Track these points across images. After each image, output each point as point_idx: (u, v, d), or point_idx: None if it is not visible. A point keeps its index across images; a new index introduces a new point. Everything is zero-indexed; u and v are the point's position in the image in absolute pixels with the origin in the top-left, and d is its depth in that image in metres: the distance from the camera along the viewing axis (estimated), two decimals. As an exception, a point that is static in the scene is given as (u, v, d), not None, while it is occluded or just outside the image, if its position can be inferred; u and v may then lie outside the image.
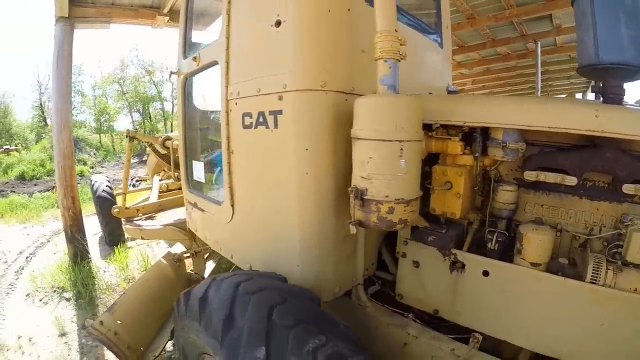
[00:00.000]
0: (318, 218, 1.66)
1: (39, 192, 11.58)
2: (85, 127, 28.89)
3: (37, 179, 15.54)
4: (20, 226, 7.63)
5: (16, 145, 21.05)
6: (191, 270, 3.57)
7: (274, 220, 1.76)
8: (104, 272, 4.81)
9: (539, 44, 6.74)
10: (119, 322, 2.61)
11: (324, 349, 1.25)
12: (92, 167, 20.15)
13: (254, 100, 1.73)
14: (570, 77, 9.67)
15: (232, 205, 1.96)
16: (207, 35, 2.37)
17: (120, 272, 4.78)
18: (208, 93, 2.40)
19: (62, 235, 6.69)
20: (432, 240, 1.75)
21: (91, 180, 5.63)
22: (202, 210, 2.30)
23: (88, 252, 4.93)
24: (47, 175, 16.09)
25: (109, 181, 5.66)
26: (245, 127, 1.78)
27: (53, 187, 11.97)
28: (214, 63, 2.03)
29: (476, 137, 1.63)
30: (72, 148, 4.72)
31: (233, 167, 1.92)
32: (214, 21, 2.28)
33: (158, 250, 5.40)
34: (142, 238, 4.09)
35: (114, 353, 2.48)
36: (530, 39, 6.90)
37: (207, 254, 3.65)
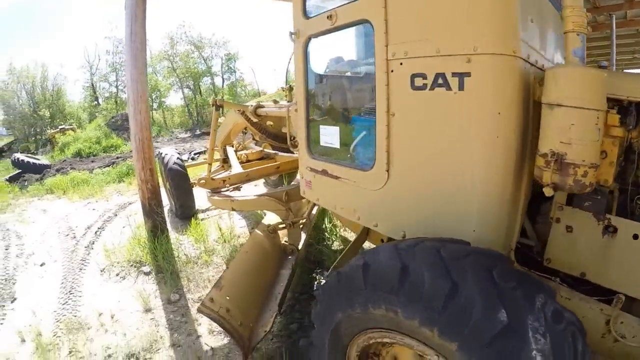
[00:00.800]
0: (502, 182, 1.65)
1: (98, 167, 11.77)
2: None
3: (94, 155, 15.88)
4: (84, 202, 7.87)
5: (71, 125, 21.66)
6: (285, 241, 3.62)
7: (444, 185, 1.73)
8: (180, 244, 4.87)
9: (614, 17, 6.39)
10: (227, 297, 2.63)
11: (547, 306, 1.29)
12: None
13: (430, 60, 1.68)
14: (634, 51, 9.18)
15: (387, 171, 1.94)
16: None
17: (198, 245, 4.85)
18: (348, 54, 2.37)
19: (129, 209, 6.94)
20: (588, 205, 1.81)
21: (160, 154, 5.67)
22: (336, 177, 2.28)
23: (166, 226, 4.98)
24: (104, 152, 16.51)
25: (179, 153, 5.74)
26: (416, 88, 1.74)
27: (113, 163, 12.30)
28: (363, 21, 1.98)
29: (631, 111, 1.70)
30: (149, 120, 4.73)
31: (393, 130, 1.88)
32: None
33: (231, 222, 5.45)
34: (233, 209, 4.11)
35: (227, 331, 2.46)
36: (605, 12, 6.56)
37: (302, 225, 3.69)
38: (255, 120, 3.86)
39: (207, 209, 6.35)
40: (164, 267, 4.21)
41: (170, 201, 5.96)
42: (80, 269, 4.59)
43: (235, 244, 4.81)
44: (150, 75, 28.48)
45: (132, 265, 4.48)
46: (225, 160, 5.10)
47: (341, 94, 2.45)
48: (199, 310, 2.47)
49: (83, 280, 4.30)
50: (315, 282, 3.73)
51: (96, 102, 28.72)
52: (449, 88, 1.63)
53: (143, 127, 4.56)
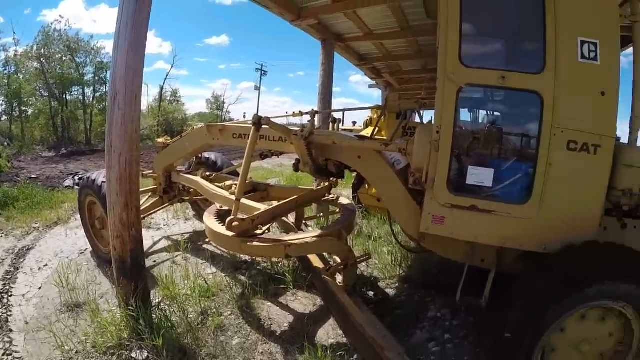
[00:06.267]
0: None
1: None
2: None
3: None
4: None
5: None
6: (340, 282, 3.28)
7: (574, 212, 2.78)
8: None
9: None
10: None
11: None
12: (9, 161, 16.04)
13: (580, 134, 2.71)
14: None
15: (541, 204, 2.77)
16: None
17: (183, 302, 3.76)
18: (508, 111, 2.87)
19: (33, 258, 5.13)
20: None
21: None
22: (488, 212, 2.83)
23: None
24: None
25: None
26: (570, 149, 2.74)
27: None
28: (533, 92, 2.75)
29: None
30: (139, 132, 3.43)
31: (550, 176, 2.74)
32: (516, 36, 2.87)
33: (188, 264, 4.66)
34: (288, 256, 3.35)
35: None
36: None
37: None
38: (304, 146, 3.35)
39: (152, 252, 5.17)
40: (170, 345, 3.06)
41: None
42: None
43: (235, 292, 4.11)
44: (14, 77, 25.77)
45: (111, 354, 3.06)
46: (167, 191, 3.60)
47: (498, 142, 2.93)
48: None
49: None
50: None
51: None
52: (589, 152, 2.71)
53: (133, 143, 3.19)
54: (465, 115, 3.28)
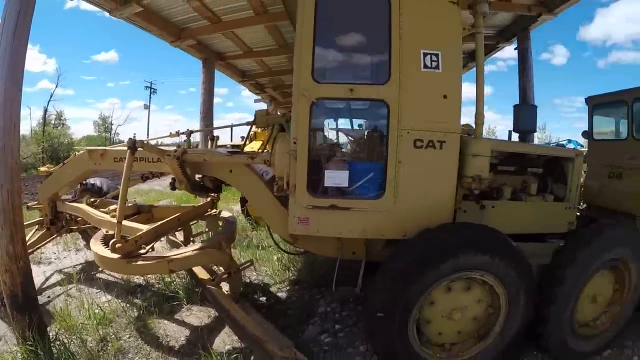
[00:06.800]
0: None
1: None
2: None
3: None
4: None
5: None
6: (227, 291, 3.32)
7: (428, 201, 3.08)
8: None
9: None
10: None
11: None
12: None
13: (425, 133, 3.00)
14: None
15: (395, 197, 3.01)
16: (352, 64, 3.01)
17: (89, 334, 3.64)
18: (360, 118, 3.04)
19: None
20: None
21: None
22: (347, 209, 3.02)
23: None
24: None
25: None
26: (416, 147, 3.01)
27: None
28: (380, 101, 3.00)
29: None
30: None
31: (400, 172, 2.99)
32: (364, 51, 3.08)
33: (82, 295, 4.40)
34: (172, 271, 3.42)
35: None
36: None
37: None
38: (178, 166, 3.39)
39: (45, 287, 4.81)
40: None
41: None
42: None
43: (131, 315, 4.00)
44: None
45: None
46: (53, 222, 3.39)
47: (347, 146, 3.14)
48: None
49: None
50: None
51: None
52: (435, 147, 3.01)
53: (14, 173, 3.16)
54: (320, 124, 3.46)
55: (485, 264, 2.88)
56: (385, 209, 3.02)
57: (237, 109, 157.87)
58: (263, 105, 14.25)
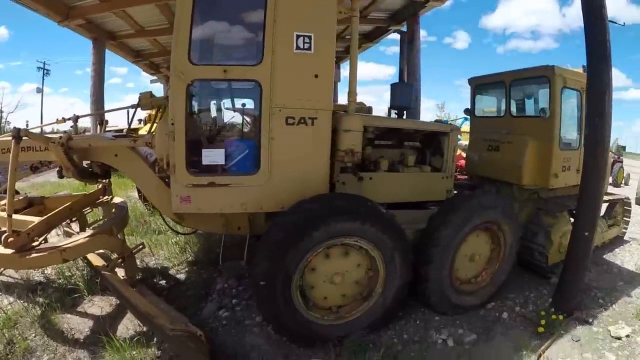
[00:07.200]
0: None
1: None
2: None
3: None
4: None
5: None
6: (123, 276, 3.35)
7: (303, 174, 3.28)
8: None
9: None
10: None
11: None
12: None
13: (297, 111, 3.19)
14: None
15: (270, 171, 3.21)
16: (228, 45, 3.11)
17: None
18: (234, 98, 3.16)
19: None
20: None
21: None
22: (226, 185, 3.15)
23: None
24: None
25: None
26: (288, 124, 3.21)
27: None
28: (253, 81, 3.15)
29: None
30: None
31: (274, 148, 3.17)
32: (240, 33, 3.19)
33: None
34: (65, 260, 3.34)
35: None
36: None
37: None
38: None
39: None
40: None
41: None
42: None
43: (34, 314, 3.83)
44: None
45: None
46: None
47: (224, 125, 3.28)
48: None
49: None
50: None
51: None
52: (306, 124, 3.23)
53: None
54: (196, 104, 3.60)
55: (356, 229, 3.13)
56: (262, 183, 3.19)
57: (138, 89, 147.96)
58: (160, 86, 13.97)
